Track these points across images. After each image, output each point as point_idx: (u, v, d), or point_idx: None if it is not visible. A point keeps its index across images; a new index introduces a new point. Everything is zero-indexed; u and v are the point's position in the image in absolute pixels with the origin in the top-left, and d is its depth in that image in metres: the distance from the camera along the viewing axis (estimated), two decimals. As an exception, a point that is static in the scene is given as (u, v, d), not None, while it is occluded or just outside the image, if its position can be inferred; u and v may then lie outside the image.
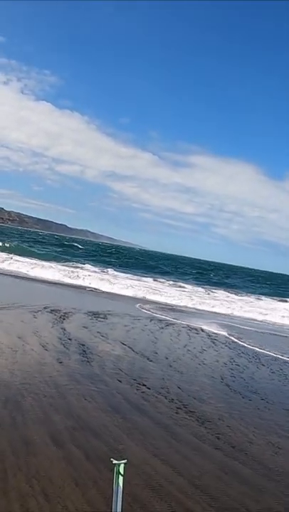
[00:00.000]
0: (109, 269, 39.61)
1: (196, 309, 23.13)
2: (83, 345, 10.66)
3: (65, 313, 14.55)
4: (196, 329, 15.90)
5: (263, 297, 36.72)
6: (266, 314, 24.26)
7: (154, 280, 37.00)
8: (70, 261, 42.26)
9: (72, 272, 30.80)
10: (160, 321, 16.71)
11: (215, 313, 22.89)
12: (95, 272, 35.29)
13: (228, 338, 15.15)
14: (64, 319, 13.48)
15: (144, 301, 23.08)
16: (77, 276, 28.34)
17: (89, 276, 29.17)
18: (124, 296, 24.13)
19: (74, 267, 35.79)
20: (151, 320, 16.52)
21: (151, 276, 39.40)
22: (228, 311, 23.69)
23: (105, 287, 25.77)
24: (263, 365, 12.14)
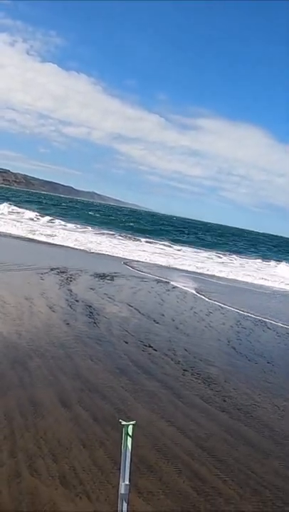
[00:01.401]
0: (131, 235, 39.09)
1: (199, 273, 23.11)
2: (90, 306, 10.66)
3: (72, 274, 14.54)
4: (200, 293, 15.89)
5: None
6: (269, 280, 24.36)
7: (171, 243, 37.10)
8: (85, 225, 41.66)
9: (83, 233, 30.56)
10: (166, 283, 16.69)
11: (218, 277, 22.89)
12: (117, 237, 34.97)
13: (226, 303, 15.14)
14: (71, 281, 13.46)
15: (164, 267, 23.05)
16: (99, 243, 27.52)
17: (111, 243, 28.51)
18: (136, 261, 24.06)
19: (87, 231, 35.64)
20: (158, 282, 16.51)
21: (158, 240, 39.25)
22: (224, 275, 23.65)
23: (122, 253, 25.45)
24: (268, 328, 12.15)
